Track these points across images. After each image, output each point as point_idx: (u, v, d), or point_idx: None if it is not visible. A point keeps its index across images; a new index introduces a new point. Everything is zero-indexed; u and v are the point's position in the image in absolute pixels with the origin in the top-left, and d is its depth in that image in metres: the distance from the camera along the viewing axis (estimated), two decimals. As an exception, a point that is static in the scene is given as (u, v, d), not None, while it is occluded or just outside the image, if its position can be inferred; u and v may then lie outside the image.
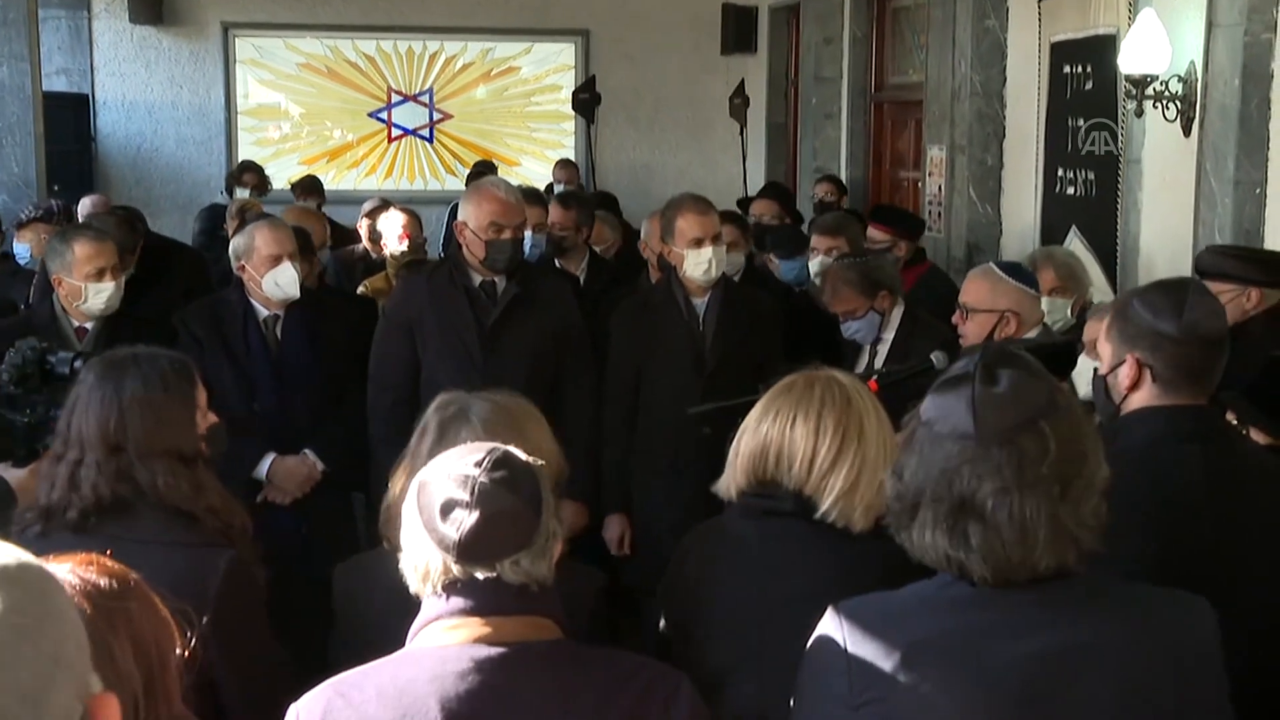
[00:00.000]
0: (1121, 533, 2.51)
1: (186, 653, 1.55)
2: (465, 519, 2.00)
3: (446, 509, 2.02)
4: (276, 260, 4.66)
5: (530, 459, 2.12)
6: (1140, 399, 2.66)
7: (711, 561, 2.69)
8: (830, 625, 2.02)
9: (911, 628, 1.97)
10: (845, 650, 1.98)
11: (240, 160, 10.76)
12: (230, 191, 9.58)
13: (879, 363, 4.73)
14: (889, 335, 4.85)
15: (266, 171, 9.94)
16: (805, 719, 2.04)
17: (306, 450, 4.66)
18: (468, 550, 2.01)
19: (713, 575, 2.67)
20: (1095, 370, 2.81)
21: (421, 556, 2.05)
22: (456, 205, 9.58)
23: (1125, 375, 2.66)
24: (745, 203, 7.28)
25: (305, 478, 4.64)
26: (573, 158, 11.86)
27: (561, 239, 6.37)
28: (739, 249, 6.03)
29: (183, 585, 1.97)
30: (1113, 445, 2.69)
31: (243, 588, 2.66)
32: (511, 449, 2.12)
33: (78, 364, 3.02)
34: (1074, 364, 3.26)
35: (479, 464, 2.05)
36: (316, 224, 6.91)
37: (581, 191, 9.51)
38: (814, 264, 5.77)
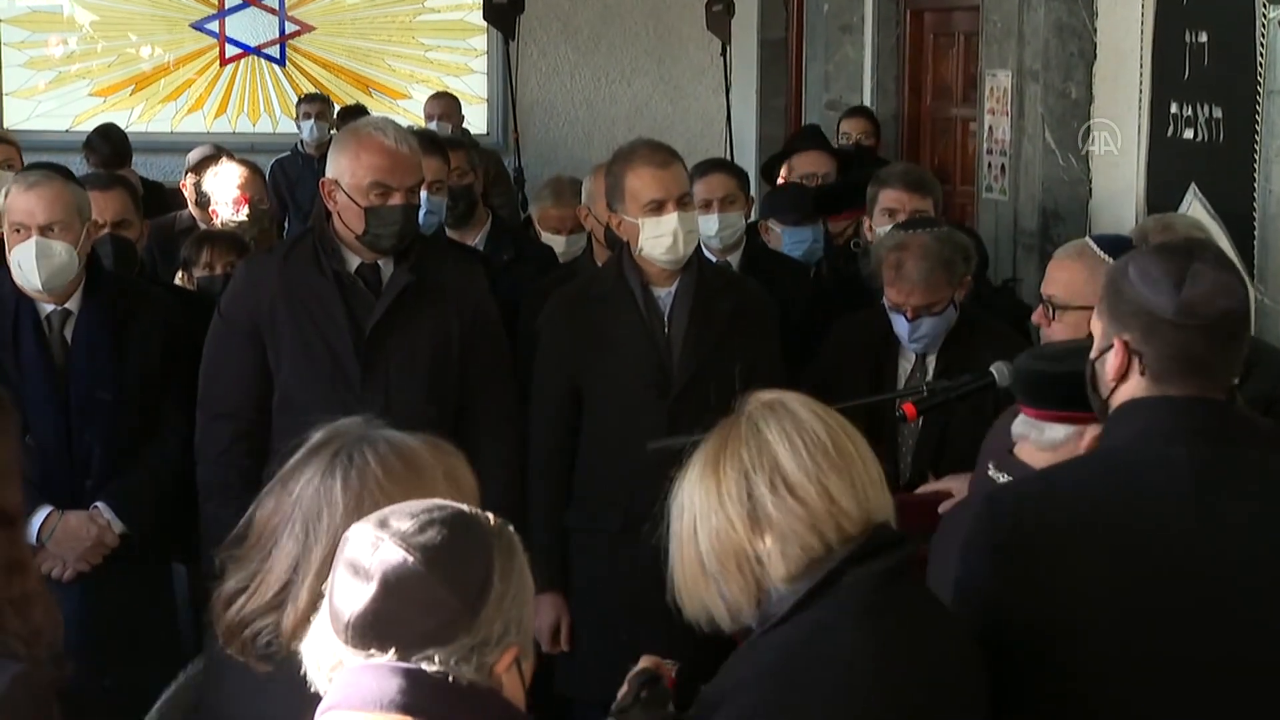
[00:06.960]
0: (1076, 560, 2.70)
1: None
2: (359, 594, 2.09)
3: (347, 577, 2.12)
4: (23, 232, 4.67)
5: (500, 526, 2.22)
6: (1128, 392, 2.84)
7: None
8: None
9: None
10: None
11: None
12: None
13: (930, 374, 4.78)
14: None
15: (45, 106, 9.77)
16: None
17: (98, 504, 4.68)
18: (356, 633, 2.10)
19: None
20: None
21: (318, 635, 2.17)
22: (290, 156, 9.50)
23: (1111, 363, 2.84)
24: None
25: (94, 542, 4.65)
26: (485, 90, 11.83)
27: (467, 189, 6.40)
28: (737, 207, 5.99)
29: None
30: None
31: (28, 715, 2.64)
32: (470, 510, 2.22)
33: None
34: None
35: (408, 516, 2.15)
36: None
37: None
38: (884, 230, 5.45)
